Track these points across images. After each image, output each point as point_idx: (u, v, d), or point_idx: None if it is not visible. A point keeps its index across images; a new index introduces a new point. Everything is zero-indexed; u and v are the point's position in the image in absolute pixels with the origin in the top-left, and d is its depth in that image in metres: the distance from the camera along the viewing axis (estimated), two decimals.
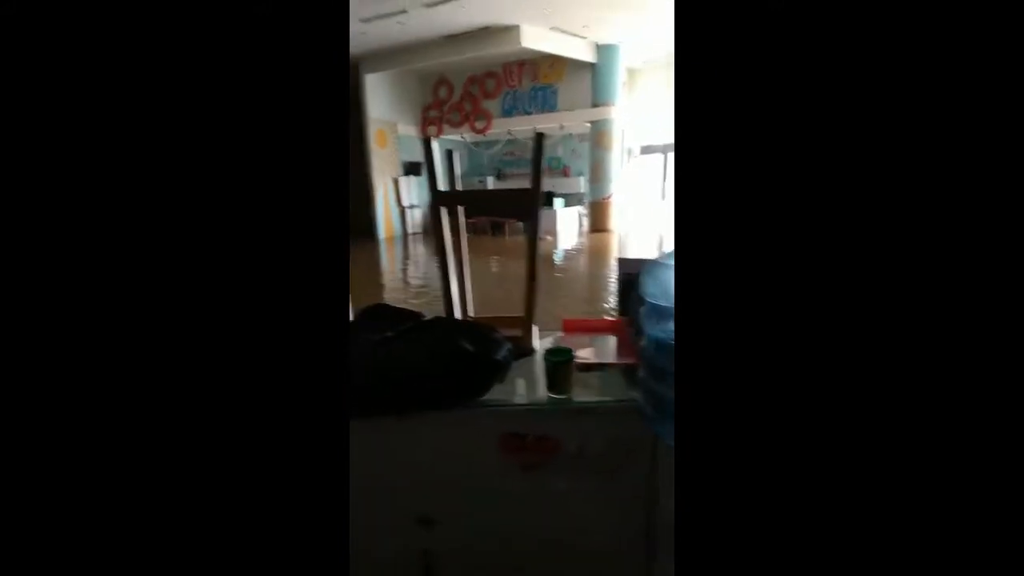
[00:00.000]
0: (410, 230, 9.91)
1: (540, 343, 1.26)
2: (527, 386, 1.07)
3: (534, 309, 1.24)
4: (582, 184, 10.01)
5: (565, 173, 10.39)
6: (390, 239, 9.37)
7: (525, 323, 1.24)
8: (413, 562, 1.02)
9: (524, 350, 1.19)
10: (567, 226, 9.52)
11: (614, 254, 7.47)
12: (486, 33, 7.51)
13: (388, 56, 8.46)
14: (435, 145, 1.23)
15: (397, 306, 1.18)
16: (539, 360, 1.08)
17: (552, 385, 0.97)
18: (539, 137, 1.14)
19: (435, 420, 0.95)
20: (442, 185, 1.24)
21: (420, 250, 8.37)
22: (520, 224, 8.69)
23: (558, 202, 9.43)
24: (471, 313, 1.34)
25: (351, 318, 1.13)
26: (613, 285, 5.04)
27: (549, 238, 8.26)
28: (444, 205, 1.25)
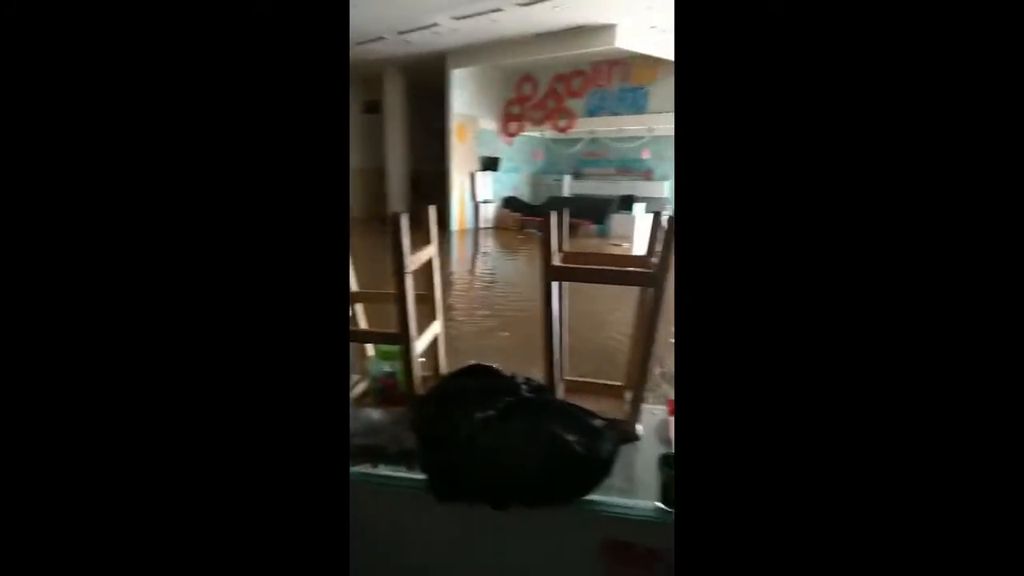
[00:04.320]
0: (481, 224, 10.05)
1: (643, 425, 1.10)
2: (633, 484, 0.95)
3: (645, 384, 1.06)
4: (666, 189, 9.62)
5: (647, 176, 10.02)
6: (462, 232, 9.50)
7: (633, 400, 1.08)
8: None
9: (629, 435, 1.05)
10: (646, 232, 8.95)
11: None
12: (579, 31, 7.35)
13: (476, 52, 8.37)
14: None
15: (495, 368, 1.07)
16: (643, 449, 1.01)
17: (667, 499, 0.84)
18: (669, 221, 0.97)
19: (531, 516, 0.86)
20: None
21: (490, 243, 8.47)
22: (593, 227, 8.44)
23: (638, 207, 9.14)
24: (566, 375, 1.17)
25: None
26: None
27: (626, 245, 8.00)
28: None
